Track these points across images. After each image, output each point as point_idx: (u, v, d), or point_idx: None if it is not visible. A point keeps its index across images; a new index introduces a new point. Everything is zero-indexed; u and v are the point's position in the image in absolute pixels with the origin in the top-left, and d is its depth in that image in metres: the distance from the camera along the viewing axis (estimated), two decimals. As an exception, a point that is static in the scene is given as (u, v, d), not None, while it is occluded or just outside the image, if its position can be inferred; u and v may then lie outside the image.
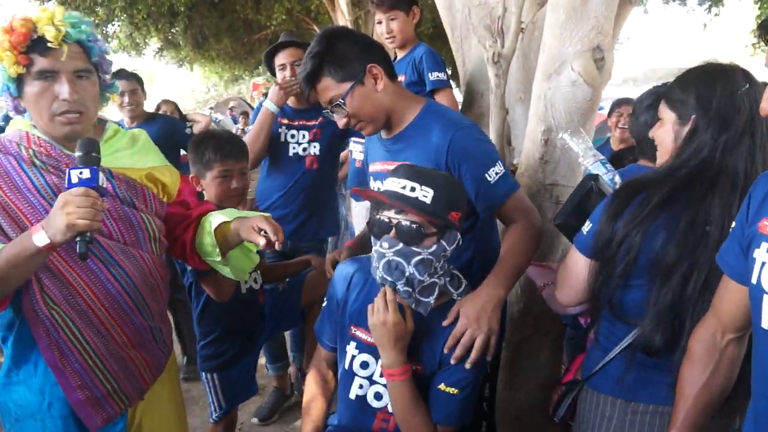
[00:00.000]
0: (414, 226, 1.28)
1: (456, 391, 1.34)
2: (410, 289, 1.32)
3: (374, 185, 1.72)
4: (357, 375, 1.45)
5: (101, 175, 1.14)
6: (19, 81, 1.21)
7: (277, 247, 1.31)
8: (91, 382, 1.28)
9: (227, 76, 17.63)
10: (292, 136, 2.74)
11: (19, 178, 1.24)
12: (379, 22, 2.53)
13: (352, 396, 1.45)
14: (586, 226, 1.35)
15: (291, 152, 2.73)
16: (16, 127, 1.31)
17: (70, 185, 1.12)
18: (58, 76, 1.21)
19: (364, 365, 1.44)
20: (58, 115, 1.23)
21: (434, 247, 1.30)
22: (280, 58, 2.66)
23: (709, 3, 8.81)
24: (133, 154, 1.41)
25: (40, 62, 1.19)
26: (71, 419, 1.29)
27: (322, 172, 2.77)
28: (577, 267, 1.37)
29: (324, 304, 1.55)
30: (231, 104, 16.52)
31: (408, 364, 1.35)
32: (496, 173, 1.51)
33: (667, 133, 1.31)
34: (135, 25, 10.02)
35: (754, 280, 0.95)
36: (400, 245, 1.30)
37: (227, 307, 1.95)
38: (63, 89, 1.21)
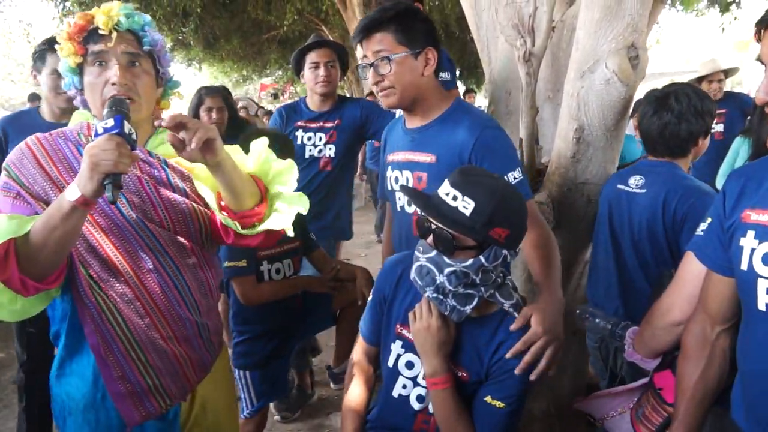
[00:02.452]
0: (449, 237, 1.23)
1: (502, 405, 1.30)
2: (441, 296, 1.29)
3: (391, 175, 1.74)
4: (402, 375, 1.43)
5: (127, 124, 1.10)
6: (80, 73, 1.28)
7: (194, 145, 1.14)
8: (132, 375, 1.25)
9: (236, 76, 17.69)
10: (309, 139, 2.74)
11: (76, 162, 1.28)
12: None
13: (395, 394, 1.44)
14: None
15: (307, 154, 2.74)
16: (78, 120, 1.37)
17: (96, 136, 1.10)
18: (107, 59, 1.25)
19: (410, 365, 1.43)
20: (109, 99, 1.22)
21: (470, 261, 1.23)
22: (313, 57, 2.68)
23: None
24: None
25: (92, 48, 1.25)
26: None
27: (337, 175, 2.77)
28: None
29: (369, 299, 1.54)
30: (240, 104, 16.50)
31: (450, 373, 1.33)
32: (515, 177, 1.53)
33: None
34: (147, 26, 10.10)
35: (744, 267, 1.00)
36: (434, 253, 1.26)
37: (264, 309, 1.95)
38: (112, 73, 1.24)
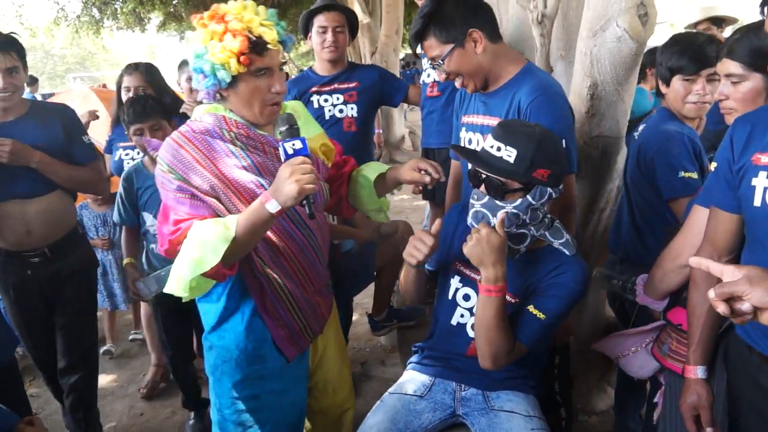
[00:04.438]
0: (498, 183, 1.40)
1: (543, 316, 1.45)
2: None
3: (465, 136, 1.86)
4: (459, 305, 1.62)
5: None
6: (233, 77, 1.35)
7: (442, 179, 1.52)
8: (290, 322, 1.52)
9: (229, 45, 17.45)
10: (326, 100, 2.71)
11: (228, 158, 1.39)
12: None
13: (453, 322, 1.63)
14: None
15: (327, 115, 2.69)
16: (210, 112, 1.43)
17: (288, 156, 1.29)
18: (271, 72, 1.38)
19: (467, 298, 1.62)
20: (270, 105, 1.40)
21: (519, 202, 1.40)
22: (321, 20, 2.62)
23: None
24: (302, 126, 1.53)
25: (260, 61, 1.34)
26: (269, 356, 1.51)
27: (361, 136, 2.76)
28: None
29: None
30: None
31: (505, 284, 1.42)
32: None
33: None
34: (139, 0, 10.02)
35: (757, 203, 1.13)
36: (487, 198, 1.43)
37: None
38: (277, 84, 1.39)
